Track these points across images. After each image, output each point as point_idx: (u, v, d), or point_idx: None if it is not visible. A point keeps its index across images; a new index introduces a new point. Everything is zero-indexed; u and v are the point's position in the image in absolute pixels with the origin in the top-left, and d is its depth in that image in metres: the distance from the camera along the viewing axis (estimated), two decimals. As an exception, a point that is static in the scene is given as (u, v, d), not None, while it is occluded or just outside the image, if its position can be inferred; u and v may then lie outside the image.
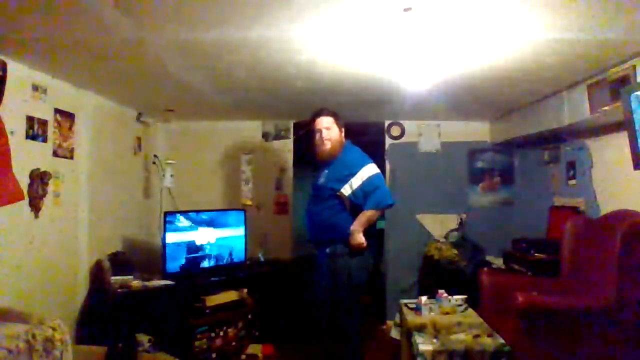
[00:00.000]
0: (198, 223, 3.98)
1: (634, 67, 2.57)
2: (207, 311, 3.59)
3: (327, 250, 3.11)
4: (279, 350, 3.95)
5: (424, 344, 2.65)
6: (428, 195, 4.85)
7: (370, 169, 3.09)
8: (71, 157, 3.34)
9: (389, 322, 4.28)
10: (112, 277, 3.48)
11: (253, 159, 4.94)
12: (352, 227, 3.01)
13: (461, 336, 2.73)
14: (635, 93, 2.47)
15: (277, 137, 5.00)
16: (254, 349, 3.85)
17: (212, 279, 3.90)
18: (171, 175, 4.55)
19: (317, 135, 3.16)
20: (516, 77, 3.04)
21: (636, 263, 2.57)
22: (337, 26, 2.21)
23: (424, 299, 3.20)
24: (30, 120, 2.91)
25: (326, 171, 3.16)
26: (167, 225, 3.77)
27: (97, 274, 3.52)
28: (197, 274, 3.92)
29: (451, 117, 4.77)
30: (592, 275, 2.91)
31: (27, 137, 2.89)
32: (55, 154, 3.16)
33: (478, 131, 4.91)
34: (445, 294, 3.24)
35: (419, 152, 4.94)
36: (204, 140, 5.01)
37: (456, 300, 3.24)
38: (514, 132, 4.30)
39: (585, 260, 3.06)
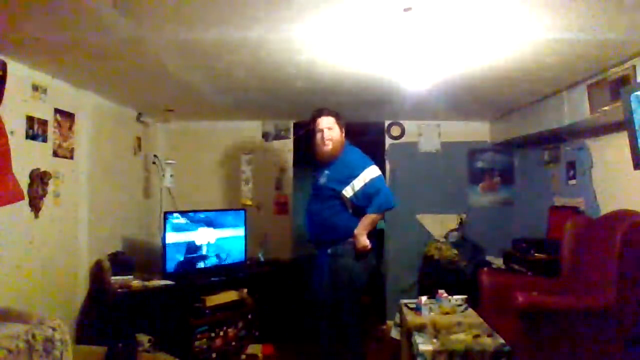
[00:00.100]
0: (198, 223, 3.98)
1: (634, 67, 2.57)
2: (207, 311, 3.59)
3: (329, 250, 3.11)
4: (279, 350, 3.95)
5: (424, 344, 2.65)
6: (428, 195, 4.84)
7: (372, 171, 3.09)
8: (71, 157, 3.34)
9: (389, 322, 4.28)
10: (112, 277, 3.48)
11: (253, 159, 4.93)
12: (355, 231, 3.02)
13: (461, 336, 2.73)
14: (635, 93, 2.47)
15: (277, 137, 4.99)
16: (254, 349, 3.85)
17: (212, 279, 3.90)
18: (171, 175, 4.56)
19: (319, 136, 3.15)
20: (516, 77, 3.04)
21: (636, 263, 2.57)
22: (337, 26, 2.21)
23: (424, 299, 3.20)
24: (30, 120, 2.91)
25: (327, 171, 3.15)
26: (167, 225, 3.77)
27: (97, 274, 3.52)
28: (197, 274, 3.92)
29: (451, 117, 4.77)
30: (592, 275, 2.91)
31: (27, 137, 2.89)
32: (55, 154, 3.16)
33: (478, 131, 4.91)
34: (445, 294, 3.25)
35: (419, 152, 4.94)
36: (203, 140, 5.00)
37: (456, 300, 3.24)
38: (514, 132, 4.30)
39: (585, 260, 3.06)
